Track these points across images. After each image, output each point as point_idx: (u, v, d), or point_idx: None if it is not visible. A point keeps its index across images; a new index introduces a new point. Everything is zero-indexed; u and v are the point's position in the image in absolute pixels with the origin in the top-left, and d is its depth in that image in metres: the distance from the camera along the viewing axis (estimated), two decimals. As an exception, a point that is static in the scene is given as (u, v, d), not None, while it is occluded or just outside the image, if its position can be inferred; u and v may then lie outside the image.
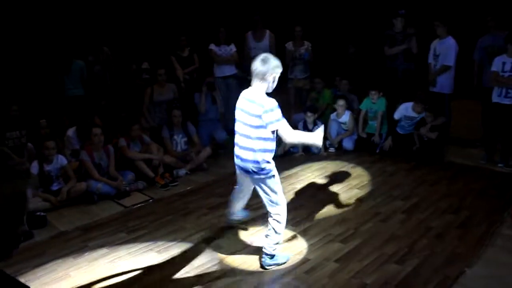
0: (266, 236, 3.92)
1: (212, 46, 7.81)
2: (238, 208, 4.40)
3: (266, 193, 3.79)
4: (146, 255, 4.23)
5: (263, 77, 3.62)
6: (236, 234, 4.59)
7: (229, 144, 7.53)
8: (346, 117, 7.34)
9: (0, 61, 8.31)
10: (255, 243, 4.38)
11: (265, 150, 3.67)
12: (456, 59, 6.86)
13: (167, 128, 6.64)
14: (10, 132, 6.54)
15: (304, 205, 5.25)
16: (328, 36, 10.32)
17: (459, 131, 7.61)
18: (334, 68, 8.70)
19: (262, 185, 3.77)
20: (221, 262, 4.07)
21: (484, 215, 4.83)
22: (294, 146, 7.22)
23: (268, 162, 3.70)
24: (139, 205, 5.49)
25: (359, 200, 5.37)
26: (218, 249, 4.29)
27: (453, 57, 6.86)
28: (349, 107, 7.46)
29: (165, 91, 7.21)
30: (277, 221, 3.84)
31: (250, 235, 4.56)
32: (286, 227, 4.62)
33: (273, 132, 3.65)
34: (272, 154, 3.76)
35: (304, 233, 4.55)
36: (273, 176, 3.76)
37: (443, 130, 6.89)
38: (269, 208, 3.84)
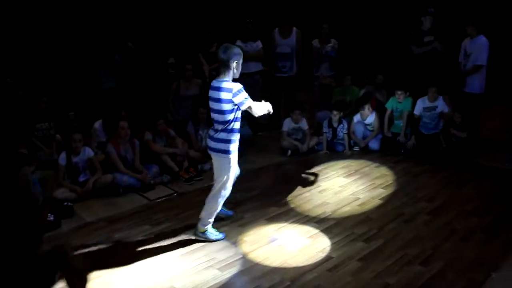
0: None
1: (239, 42, 7.81)
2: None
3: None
4: (170, 247, 4.27)
5: (226, 64, 4.09)
6: (260, 229, 4.61)
7: (254, 140, 7.62)
8: (371, 118, 7.28)
9: (34, 55, 8.51)
10: (279, 239, 4.39)
11: (234, 130, 4.16)
12: (488, 58, 6.74)
13: (193, 123, 6.69)
14: (39, 123, 6.70)
15: (327, 203, 5.24)
16: (355, 34, 10.25)
17: (487, 132, 7.49)
18: (361, 66, 8.64)
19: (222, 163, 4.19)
20: (244, 257, 4.09)
21: (511, 219, 4.74)
22: (318, 144, 7.20)
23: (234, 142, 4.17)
24: (163, 199, 5.54)
25: (383, 200, 5.34)
26: (242, 244, 4.32)
27: (485, 57, 6.73)
28: (378, 103, 7.38)
29: (191, 86, 7.28)
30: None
31: (274, 231, 4.58)
32: (310, 224, 4.66)
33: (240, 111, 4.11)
34: (238, 135, 4.23)
35: (327, 231, 4.54)
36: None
37: (472, 131, 6.80)
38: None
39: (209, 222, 4.36)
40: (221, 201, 4.36)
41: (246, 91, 7.53)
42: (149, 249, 4.27)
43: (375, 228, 4.61)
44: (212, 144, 4.22)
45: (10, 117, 7.53)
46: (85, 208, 5.26)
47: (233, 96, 4.01)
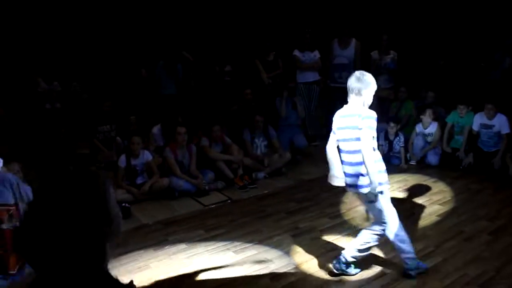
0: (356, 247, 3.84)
1: (296, 52, 7.84)
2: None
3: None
4: (223, 254, 4.31)
5: (358, 92, 3.65)
6: (314, 241, 4.58)
7: (309, 150, 7.58)
8: (433, 128, 7.08)
9: (99, 59, 8.87)
10: (333, 251, 4.34)
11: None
12: None
13: (249, 130, 6.74)
14: (101, 126, 6.96)
15: (382, 218, 5.13)
16: (416, 46, 10.02)
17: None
18: (420, 79, 8.44)
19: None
20: (296, 267, 4.07)
21: None
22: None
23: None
24: (217, 205, 5.61)
25: (441, 217, 5.17)
26: (295, 254, 4.30)
27: None
28: (436, 118, 7.19)
29: None
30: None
31: (328, 243, 4.53)
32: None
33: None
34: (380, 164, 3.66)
35: (382, 246, 4.42)
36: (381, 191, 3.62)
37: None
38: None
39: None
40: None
41: (304, 100, 7.60)
42: (202, 254, 4.32)
43: (432, 245, 4.46)
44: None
45: (75, 119, 7.88)
46: (141, 210, 5.41)
47: (361, 119, 3.61)
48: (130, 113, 7.19)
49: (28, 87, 8.35)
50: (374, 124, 3.60)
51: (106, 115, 7.04)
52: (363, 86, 3.65)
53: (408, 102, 7.77)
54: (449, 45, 9.12)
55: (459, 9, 9.78)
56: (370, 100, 3.72)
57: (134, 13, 9.40)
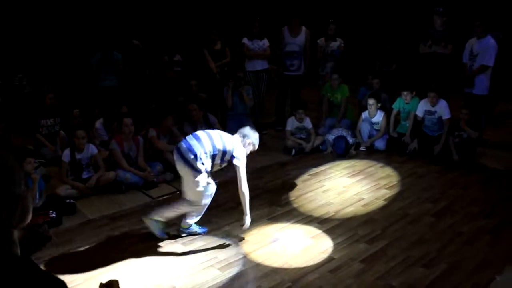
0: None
1: (245, 40, 7.79)
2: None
3: None
4: (171, 247, 4.26)
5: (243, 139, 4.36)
6: (262, 229, 4.59)
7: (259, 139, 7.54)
8: (379, 117, 7.21)
9: (39, 52, 8.54)
10: (281, 239, 4.36)
11: None
12: (495, 59, 6.67)
13: (188, 122, 6.63)
14: (44, 119, 6.71)
15: (331, 204, 5.20)
16: (364, 32, 10.19)
17: (492, 134, 7.47)
18: (367, 65, 8.57)
19: None
20: (245, 257, 4.06)
21: (517, 222, 4.69)
22: (322, 144, 7.15)
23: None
24: (166, 197, 5.52)
25: (387, 201, 5.29)
26: (243, 244, 4.29)
27: (493, 57, 6.65)
28: (381, 106, 7.31)
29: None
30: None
31: (276, 231, 4.55)
32: (312, 225, 4.62)
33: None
34: None
35: (330, 232, 4.50)
36: None
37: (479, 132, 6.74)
38: None
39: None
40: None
41: (252, 88, 7.57)
42: (150, 247, 4.25)
43: (378, 229, 4.57)
44: None
45: (16, 113, 7.56)
46: (87, 205, 5.25)
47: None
48: (73, 106, 6.96)
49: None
50: None
51: (49, 108, 6.78)
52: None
53: (342, 86, 7.70)
54: (396, 30, 9.31)
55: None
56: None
57: (77, 3, 9.11)
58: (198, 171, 4.03)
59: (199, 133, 4.24)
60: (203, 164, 4.04)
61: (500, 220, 4.74)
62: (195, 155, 3.99)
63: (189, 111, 6.61)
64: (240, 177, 4.20)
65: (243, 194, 4.22)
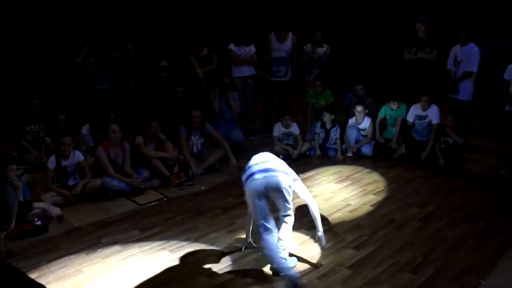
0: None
1: (232, 46, 7.80)
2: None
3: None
4: (159, 254, 4.23)
5: None
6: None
7: (246, 145, 7.56)
8: (366, 123, 7.25)
9: (24, 56, 8.46)
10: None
11: None
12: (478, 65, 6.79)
13: (186, 127, 6.63)
14: (29, 125, 6.64)
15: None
16: (350, 38, 10.26)
17: (478, 139, 7.57)
18: (353, 71, 8.61)
19: None
20: (233, 264, 4.05)
21: (501, 226, 4.74)
22: (310, 150, 7.17)
23: None
24: (153, 203, 5.49)
25: (374, 206, 5.32)
26: (231, 251, 4.28)
27: (477, 63, 6.79)
28: (368, 112, 7.36)
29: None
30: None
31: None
32: (300, 231, 4.62)
33: None
34: None
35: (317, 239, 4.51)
36: None
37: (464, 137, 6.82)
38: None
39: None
40: None
41: (239, 94, 7.58)
42: (137, 255, 4.22)
43: (365, 234, 4.59)
44: None
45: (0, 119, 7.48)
46: (73, 212, 5.20)
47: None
48: (59, 112, 6.90)
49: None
50: None
51: (34, 114, 6.71)
52: None
53: (326, 92, 7.72)
54: (380, 37, 9.40)
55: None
56: None
57: (66, 7, 9.05)
58: None
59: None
60: None
61: (484, 225, 4.79)
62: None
63: (191, 117, 6.60)
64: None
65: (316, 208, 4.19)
